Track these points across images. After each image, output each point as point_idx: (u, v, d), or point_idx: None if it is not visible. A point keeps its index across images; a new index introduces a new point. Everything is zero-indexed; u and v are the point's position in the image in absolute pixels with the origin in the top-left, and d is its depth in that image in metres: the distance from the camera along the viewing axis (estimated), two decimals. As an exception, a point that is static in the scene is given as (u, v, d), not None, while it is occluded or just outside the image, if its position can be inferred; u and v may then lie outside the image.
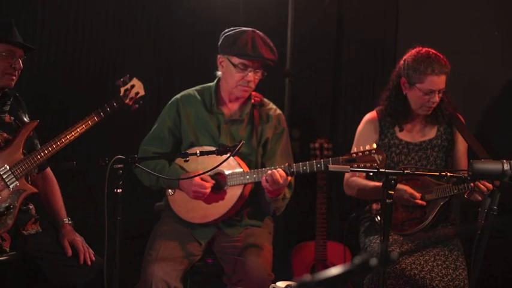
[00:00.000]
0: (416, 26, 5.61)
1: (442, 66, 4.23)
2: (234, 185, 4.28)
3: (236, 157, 4.25)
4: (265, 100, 4.57)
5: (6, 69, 3.90)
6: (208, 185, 4.26)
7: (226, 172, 4.28)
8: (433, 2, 5.59)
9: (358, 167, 3.89)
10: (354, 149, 4.05)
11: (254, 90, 4.46)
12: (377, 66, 5.68)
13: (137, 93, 4.31)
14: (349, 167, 3.76)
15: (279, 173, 4.07)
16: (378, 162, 3.89)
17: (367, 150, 3.93)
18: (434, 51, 4.29)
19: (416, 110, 4.36)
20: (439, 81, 4.24)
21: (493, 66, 5.27)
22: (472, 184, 4.04)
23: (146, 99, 4.38)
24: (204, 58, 4.79)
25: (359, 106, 4.92)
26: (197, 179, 4.23)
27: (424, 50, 4.30)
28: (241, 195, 4.29)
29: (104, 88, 4.93)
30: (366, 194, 4.42)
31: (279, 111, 4.58)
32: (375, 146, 3.94)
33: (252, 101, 4.48)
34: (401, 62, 4.36)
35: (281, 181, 4.07)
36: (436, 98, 4.27)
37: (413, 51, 4.33)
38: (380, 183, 3.76)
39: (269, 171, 4.11)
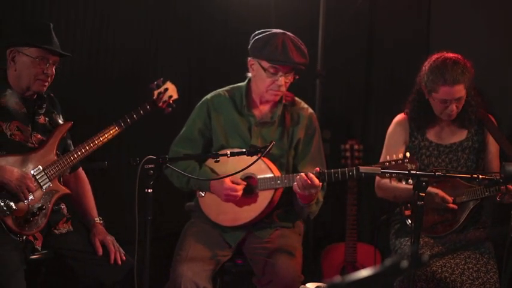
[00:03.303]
0: (449, 26, 5.58)
1: (457, 75, 4.14)
2: (265, 189, 4.28)
3: (266, 160, 4.24)
4: (297, 99, 4.54)
5: (39, 75, 3.92)
6: (240, 187, 4.26)
7: (258, 176, 4.28)
8: (465, 2, 5.55)
9: (391, 175, 3.86)
10: (387, 157, 4.01)
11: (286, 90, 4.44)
12: (409, 67, 5.63)
13: (170, 97, 4.34)
14: (379, 169, 3.75)
15: (308, 176, 4.04)
16: None
17: (400, 159, 3.90)
18: (453, 58, 4.20)
19: (439, 115, 4.33)
20: (452, 91, 4.18)
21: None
22: (503, 187, 4.01)
23: (177, 99, 4.39)
24: (235, 57, 4.79)
25: (390, 107, 4.89)
26: (228, 182, 4.23)
27: (442, 57, 4.22)
28: (272, 200, 4.29)
29: (136, 89, 4.96)
30: (398, 196, 4.40)
31: (310, 110, 4.55)
32: (408, 154, 3.91)
33: (284, 101, 4.46)
34: (422, 68, 4.31)
35: (315, 184, 4.04)
36: (453, 107, 4.22)
37: (433, 57, 4.25)
38: (411, 186, 3.74)
39: (297, 176, 4.10)
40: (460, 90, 4.18)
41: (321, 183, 4.08)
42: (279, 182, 4.24)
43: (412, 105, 4.41)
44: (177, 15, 5.47)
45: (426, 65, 4.27)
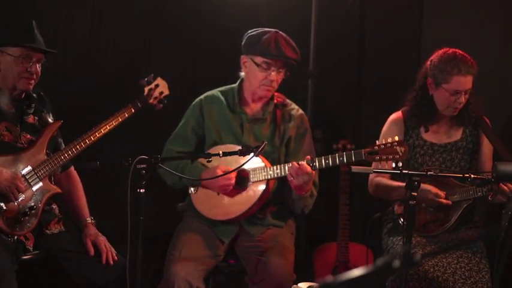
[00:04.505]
0: (441, 25, 5.59)
1: (468, 67, 4.21)
2: (257, 181, 4.29)
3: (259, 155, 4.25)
4: (288, 101, 4.57)
5: (22, 73, 3.90)
6: (232, 175, 4.26)
7: (249, 168, 4.28)
8: (457, 1, 5.56)
9: (381, 159, 3.88)
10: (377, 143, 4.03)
11: (277, 91, 4.47)
12: (401, 66, 5.66)
13: (161, 93, 4.33)
14: (372, 168, 3.76)
15: (300, 164, 4.06)
16: (400, 154, 3.87)
17: (389, 143, 3.91)
18: (461, 52, 4.26)
19: (443, 111, 4.34)
20: (465, 81, 4.22)
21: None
22: (495, 186, 4.02)
23: (170, 99, 4.39)
24: (228, 57, 4.79)
25: (382, 107, 4.90)
26: (219, 171, 4.24)
27: (451, 50, 4.28)
28: (265, 191, 4.29)
29: (128, 88, 4.95)
30: (391, 194, 4.41)
31: (301, 111, 4.58)
32: (397, 138, 3.92)
33: (275, 101, 4.49)
34: (428, 62, 4.35)
35: (307, 171, 4.05)
36: (463, 99, 4.25)
37: (440, 51, 4.31)
38: (404, 184, 3.75)
39: (289, 165, 4.11)
40: (470, 82, 4.24)
41: (313, 171, 4.09)
42: (271, 172, 4.25)
43: (415, 102, 4.42)
44: (170, 15, 5.46)
45: (434, 59, 4.31)
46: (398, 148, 3.89)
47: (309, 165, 4.07)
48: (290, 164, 4.11)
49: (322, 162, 4.09)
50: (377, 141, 4.03)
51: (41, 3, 4.97)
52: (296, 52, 4.34)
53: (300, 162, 4.07)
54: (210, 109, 4.49)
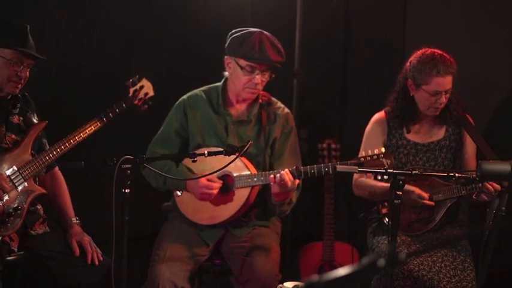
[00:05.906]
0: (425, 25, 5.60)
1: (447, 67, 4.21)
2: (242, 187, 4.28)
3: (243, 158, 4.25)
4: (273, 99, 4.55)
5: (12, 77, 3.88)
6: (216, 185, 4.25)
7: (234, 174, 4.28)
8: (441, 1, 5.57)
9: (367, 171, 3.89)
10: (362, 152, 4.05)
11: (262, 90, 4.45)
12: (385, 66, 5.67)
13: (146, 94, 4.31)
14: (357, 167, 3.76)
15: (287, 175, 4.06)
16: (386, 166, 3.89)
17: (376, 155, 3.92)
18: (439, 52, 4.27)
19: (424, 111, 4.35)
20: (444, 82, 4.23)
21: (502, 67, 5.25)
22: (480, 185, 4.03)
23: (154, 98, 4.37)
24: (213, 57, 4.78)
25: (367, 106, 4.91)
26: (204, 180, 4.22)
27: (429, 51, 4.28)
28: (249, 197, 4.29)
29: (113, 88, 4.93)
30: (375, 194, 4.42)
31: (287, 110, 4.56)
32: (383, 150, 3.93)
33: (260, 100, 4.47)
34: (407, 63, 4.36)
35: (289, 184, 4.06)
36: (443, 99, 4.26)
37: (419, 52, 4.31)
38: (388, 184, 3.76)
39: (274, 173, 4.12)
40: (450, 82, 4.25)
41: (297, 180, 4.09)
42: (255, 179, 4.25)
43: (396, 103, 4.43)
44: (154, 14, 5.44)
45: (413, 60, 4.31)
46: (384, 161, 3.91)
47: (293, 174, 4.07)
48: (274, 173, 4.12)
49: (307, 171, 4.09)
50: (363, 152, 4.05)
51: (27, 4, 4.94)
52: (281, 54, 4.31)
53: (282, 172, 4.08)
54: (194, 111, 4.46)
